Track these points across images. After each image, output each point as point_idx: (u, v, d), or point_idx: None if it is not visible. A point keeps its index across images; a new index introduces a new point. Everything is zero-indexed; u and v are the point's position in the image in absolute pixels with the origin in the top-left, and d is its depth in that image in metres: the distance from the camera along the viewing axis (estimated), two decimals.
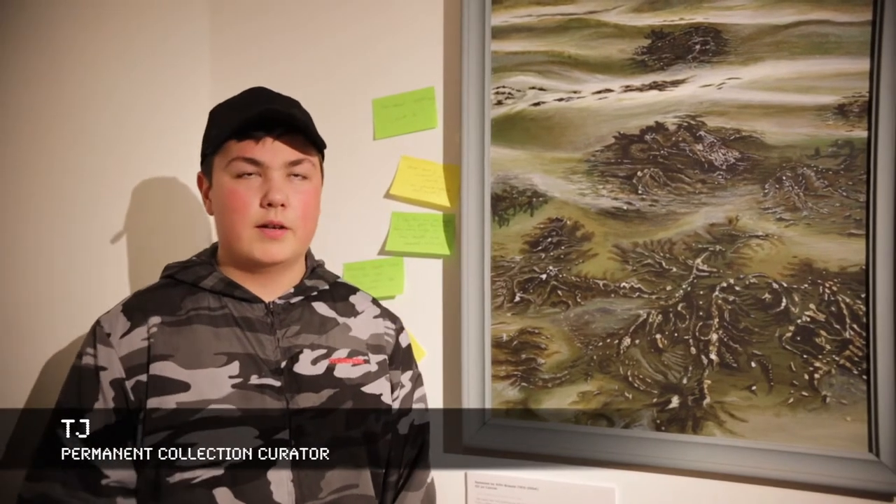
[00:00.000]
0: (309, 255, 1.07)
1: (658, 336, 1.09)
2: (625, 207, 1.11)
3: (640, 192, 1.10)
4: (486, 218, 1.17)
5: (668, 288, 1.08)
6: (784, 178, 1.03)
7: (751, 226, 1.05)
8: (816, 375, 1.01)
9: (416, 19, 1.25)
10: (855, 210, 1.00)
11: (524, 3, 1.16)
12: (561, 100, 1.14)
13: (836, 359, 1.00)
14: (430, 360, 1.24)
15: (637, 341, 1.10)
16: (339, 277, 1.09)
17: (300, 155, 0.96)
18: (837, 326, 1.01)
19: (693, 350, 1.07)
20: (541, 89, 1.15)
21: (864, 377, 0.99)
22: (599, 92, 1.12)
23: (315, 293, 1.03)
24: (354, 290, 1.09)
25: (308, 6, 1.33)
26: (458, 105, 1.20)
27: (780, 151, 1.03)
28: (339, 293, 1.06)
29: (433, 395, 1.24)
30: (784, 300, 1.03)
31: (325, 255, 1.31)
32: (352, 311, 1.05)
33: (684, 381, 1.07)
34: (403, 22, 1.26)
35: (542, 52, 1.15)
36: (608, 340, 1.11)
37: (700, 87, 1.07)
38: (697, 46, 1.07)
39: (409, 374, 1.08)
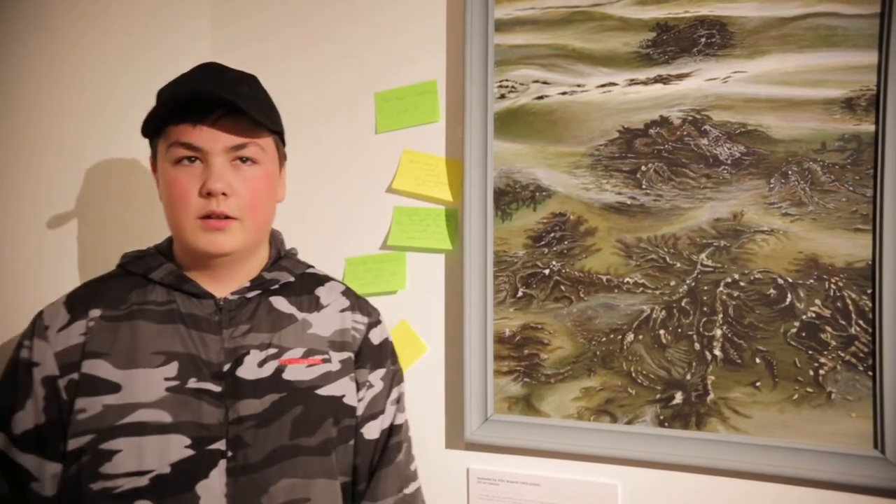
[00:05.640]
0: (274, 243, 1.00)
1: (662, 332, 1.08)
2: (629, 202, 1.10)
3: (644, 186, 1.09)
4: (489, 212, 1.16)
5: (672, 283, 1.08)
6: (790, 172, 1.02)
7: (756, 221, 1.04)
8: (821, 371, 1.01)
9: (418, 12, 1.24)
10: (861, 205, 0.99)
11: None
12: (564, 93, 1.13)
13: (842, 355, 1.00)
14: (432, 355, 1.24)
15: (640, 337, 1.09)
16: (310, 267, 1.02)
17: (243, 139, 0.88)
18: (843, 322, 1.00)
19: (697, 346, 1.06)
20: (544, 83, 1.14)
21: (870, 373, 0.98)
22: (603, 86, 1.11)
23: (276, 286, 0.95)
24: (324, 281, 1.01)
25: (310, 1, 1.32)
26: (461, 99, 1.20)
27: (785, 146, 1.02)
28: (305, 285, 0.99)
29: (435, 391, 1.23)
30: (789, 296, 1.02)
31: (327, 250, 1.31)
32: (315, 306, 0.97)
33: (688, 376, 1.07)
34: (406, 15, 1.25)
35: (546, 46, 1.14)
36: (611, 336, 1.11)
37: (705, 81, 1.06)
38: (703, 39, 1.06)
39: (379, 372, 1.00)
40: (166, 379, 0.85)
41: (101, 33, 1.29)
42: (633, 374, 1.09)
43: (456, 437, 1.21)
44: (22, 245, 1.25)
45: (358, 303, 1.03)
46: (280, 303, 0.95)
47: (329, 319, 0.98)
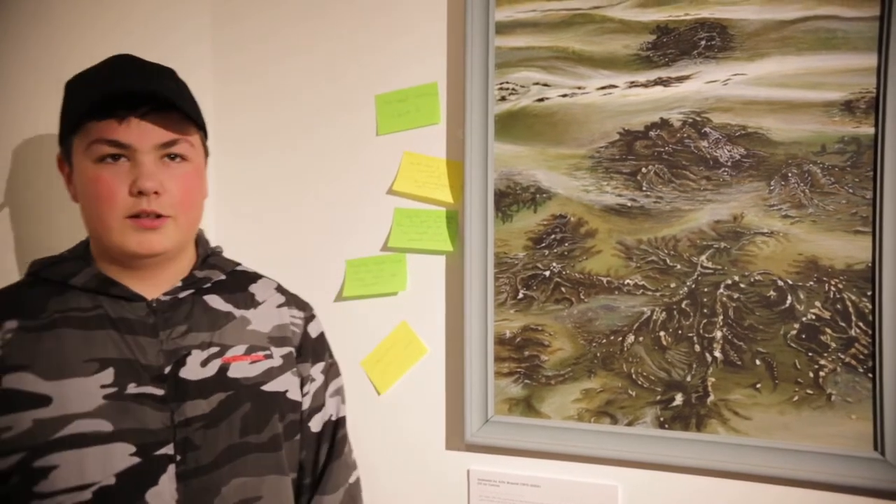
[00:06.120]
0: (200, 242, 0.97)
1: (662, 333, 1.08)
2: (629, 204, 1.10)
3: (644, 188, 1.09)
4: (490, 214, 1.16)
5: (673, 285, 1.08)
6: (790, 174, 1.02)
7: (756, 223, 1.04)
8: (821, 373, 1.01)
9: (419, 14, 1.24)
10: (861, 207, 0.99)
11: None
12: (565, 96, 1.14)
13: (842, 357, 1.00)
14: (432, 357, 1.24)
15: (641, 338, 1.09)
16: (239, 265, 1.00)
17: (173, 135, 0.85)
18: (843, 324, 1.00)
19: (697, 347, 1.07)
20: (545, 85, 1.15)
21: (870, 375, 0.98)
22: (604, 88, 1.11)
23: (208, 285, 0.93)
24: (256, 278, 1.00)
25: (311, 2, 1.33)
26: (462, 101, 1.20)
27: (785, 148, 1.03)
28: (238, 283, 0.97)
29: (435, 393, 1.23)
30: (789, 298, 1.02)
31: (328, 251, 1.31)
32: (251, 302, 0.96)
33: (688, 378, 1.07)
34: (407, 17, 1.26)
35: (547, 48, 1.14)
36: (612, 338, 1.11)
37: (705, 84, 1.06)
38: (703, 42, 1.06)
39: (320, 366, 1.01)
40: (103, 386, 0.82)
41: (101, 34, 1.29)
42: (634, 376, 1.10)
43: (456, 438, 1.21)
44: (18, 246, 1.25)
45: (293, 298, 1.02)
46: (215, 301, 0.93)
47: (267, 315, 0.96)
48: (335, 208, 1.31)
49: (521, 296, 1.16)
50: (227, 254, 1.04)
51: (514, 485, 1.17)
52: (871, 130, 0.98)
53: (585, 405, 1.12)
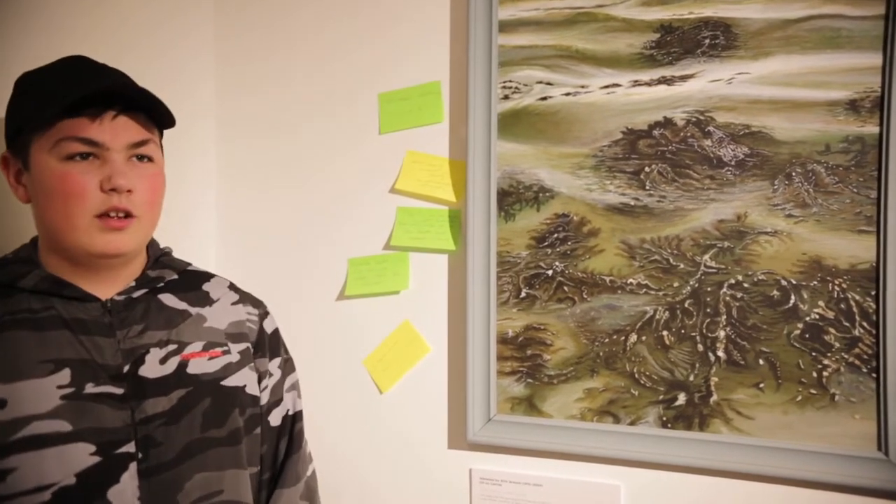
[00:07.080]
0: (151, 243, 0.97)
1: (665, 333, 1.08)
2: (632, 203, 1.10)
3: (647, 187, 1.09)
4: (492, 213, 1.16)
5: (676, 284, 1.08)
6: (794, 173, 1.02)
7: (759, 222, 1.04)
8: (825, 373, 1.01)
9: (422, 12, 1.24)
10: (865, 207, 0.99)
11: None
12: (568, 94, 1.13)
13: (845, 356, 1.00)
14: (434, 355, 1.24)
15: (644, 338, 1.09)
16: (189, 265, 1.00)
17: (145, 134, 0.87)
18: (847, 324, 1.00)
19: (700, 347, 1.06)
20: (548, 84, 1.14)
21: (874, 375, 0.98)
22: (607, 87, 1.11)
23: (161, 284, 0.94)
24: (208, 277, 1.01)
25: (313, 3, 1.32)
26: (465, 99, 1.20)
27: (789, 147, 1.02)
28: (191, 282, 0.98)
29: (438, 392, 1.23)
30: (793, 297, 1.02)
31: (330, 250, 1.31)
32: (206, 300, 0.96)
33: (691, 378, 1.07)
34: (409, 15, 1.25)
35: (550, 46, 1.14)
36: (614, 337, 1.11)
37: (709, 82, 1.06)
38: (707, 41, 1.06)
39: (277, 361, 1.02)
40: (59, 387, 0.81)
41: (99, 19, 1.28)
42: (636, 375, 1.09)
43: (459, 437, 1.21)
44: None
45: (246, 296, 1.03)
46: (170, 300, 0.94)
47: (223, 312, 0.97)
48: (338, 207, 1.31)
49: (523, 295, 1.16)
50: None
51: (517, 484, 1.17)
52: (876, 129, 0.98)
53: (588, 404, 1.12)
